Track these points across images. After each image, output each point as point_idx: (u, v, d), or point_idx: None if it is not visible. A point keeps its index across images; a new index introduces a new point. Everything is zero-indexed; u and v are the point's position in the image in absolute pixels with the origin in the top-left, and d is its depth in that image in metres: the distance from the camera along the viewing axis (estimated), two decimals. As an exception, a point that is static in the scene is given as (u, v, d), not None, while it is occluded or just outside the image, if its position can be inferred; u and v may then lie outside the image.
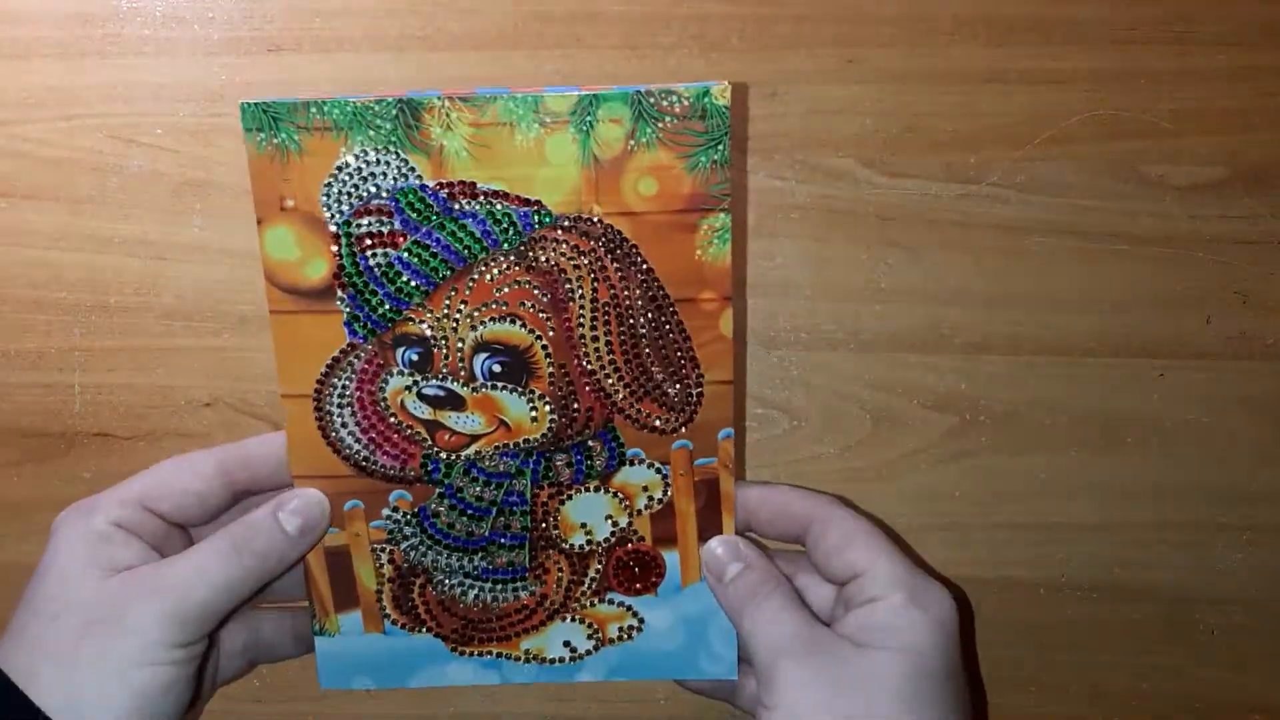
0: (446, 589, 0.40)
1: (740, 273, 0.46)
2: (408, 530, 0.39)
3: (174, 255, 0.46)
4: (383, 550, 0.39)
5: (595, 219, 0.36)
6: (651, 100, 0.35)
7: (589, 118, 0.35)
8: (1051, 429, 0.47)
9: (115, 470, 0.46)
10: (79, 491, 0.46)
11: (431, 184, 0.36)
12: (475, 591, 0.40)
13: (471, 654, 0.40)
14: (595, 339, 0.37)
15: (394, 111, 0.35)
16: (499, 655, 0.40)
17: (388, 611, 0.40)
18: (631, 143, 0.35)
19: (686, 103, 0.35)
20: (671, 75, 0.47)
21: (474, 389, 0.37)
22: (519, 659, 0.40)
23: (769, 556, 0.40)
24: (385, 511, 0.39)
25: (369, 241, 0.36)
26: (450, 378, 0.37)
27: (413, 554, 0.39)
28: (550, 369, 0.37)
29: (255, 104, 0.35)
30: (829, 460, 0.47)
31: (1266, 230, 0.48)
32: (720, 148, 0.36)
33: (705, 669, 0.41)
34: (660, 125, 0.35)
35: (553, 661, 0.41)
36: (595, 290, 0.37)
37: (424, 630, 0.40)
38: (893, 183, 0.47)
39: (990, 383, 0.47)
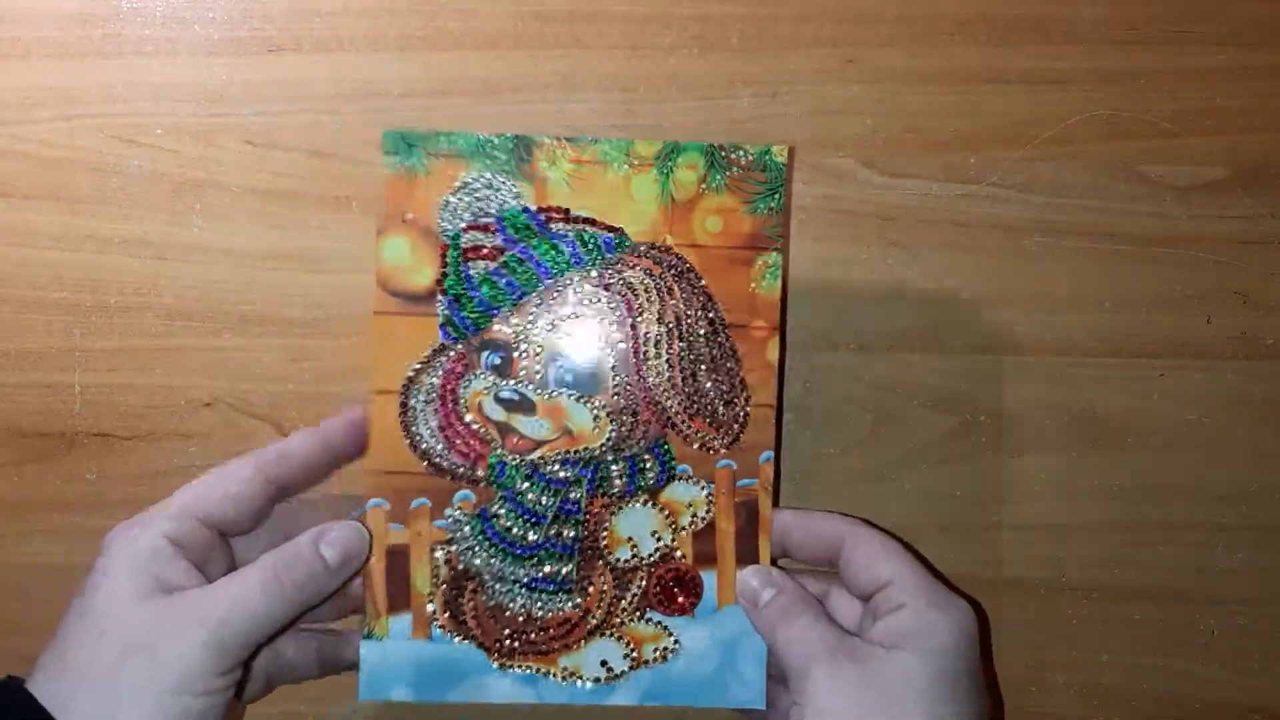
0: (495, 595, 0.41)
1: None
2: (467, 530, 0.41)
3: (174, 255, 0.46)
4: (440, 551, 0.41)
5: (667, 248, 0.41)
6: (723, 153, 0.41)
7: (670, 163, 0.41)
8: (1051, 429, 0.47)
9: (116, 470, 0.46)
10: (79, 491, 0.46)
11: (532, 208, 0.41)
12: (522, 600, 0.41)
13: (511, 668, 0.41)
14: (658, 356, 0.41)
15: (511, 145, 0.41)
16: (538, 671, 0.41)
17: (437, 616, 0.41)
18: (703, 186, 0.41)
19: (751, 157, 0.41)
20: (672, 76, 0.47)
21: (545, 395, 0.41)
22: (557, 676, 0.41)
23: (798, 582, 0.41)
24: (448, 511, 0.41)
25: (472, 253, 0.40)
26: (525, 383, 0.41)
27: (468, 555, 0.41)
28: (615, 381, 0.41)
29: (397, 132, 0.40)
30: (829, 460, 0.47)
31: (1266, 230, 0.48)
32: (777, 197, 0.41)
33: (735, 695, 0.41)
34: (728, 174, 0.41)
35: (589, 680, 0.41)
36: (661, 311, 0.41)
37: (469, 639, 0.41)
38: (893, 183, 0.47)
39: (990, 383, 0.47)
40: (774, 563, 0.42)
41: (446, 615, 0.41)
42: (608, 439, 0.41)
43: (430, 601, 0.41)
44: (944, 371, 0.47)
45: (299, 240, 0.46)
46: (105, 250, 0.46)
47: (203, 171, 0.46)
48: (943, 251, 0.47)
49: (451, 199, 0.40)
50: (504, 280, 0.40)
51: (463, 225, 0.40)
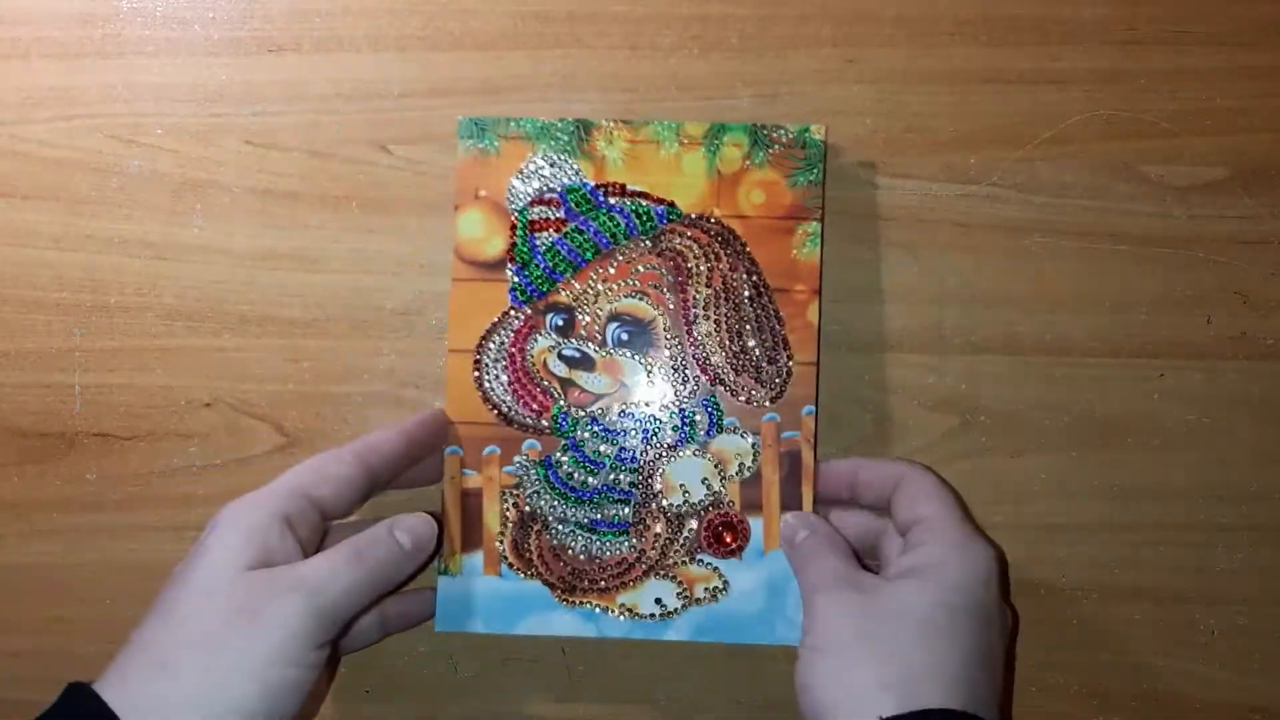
0: (559, 536, 0.44)
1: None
2: (534, 476, 0.44)
3: (174, 255, 0.46)
4: (509, 495, 0.44)
5: (714, 219, 0.45)
6: (765, 132, 0.45)
7: (716, 141, 0.45)
8: (1051, 429, 0.47)
9: (116, 470, 0.46)
10: (79, 491, 0.46)
11: (592, 183, 0.45)
12: (583, 541, 0.44)
13: (574, 604, 0.44)
14: (707, 317, 0.45)
15: (572, 128, 0.45)
16: (597, 607, 0.44)
17: (506, 555, 0.44)
18: (747, 162, 0.45)
19: (791, 136, 0.45)
20: (672, 76, 0.47)
21: (604, 353, 0.45)
22: (615, 612, 0.44)
23: (834, 527, 0.43)
24: (517, 459, 0.44)
25: (538, 225, 0.44)
26: (586, 342, 0.44)
27: (534, 499, 0.44)
28: (667, 341, 0.45)
29: (471, 119, 0.45)
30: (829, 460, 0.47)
31: (1266, 230, 0.48)
32: (816, 171, 0.45)
33: (779, 633, 0.44)
34: (770, 151, 0.45)
35: (645, 617, 0.44)
36: (710, 276, 0.45)
37: (534, 576, 0.44)
38: (893, 183, 0.47)
39: (990, 383, 0.47)
40: (816, 509, 0.44)
41: (514, 554, 0.44)
42: (661, 394, 0.45)
43: (499, 541, 0.44)
44: (944, 371, 0.47)
45: (298, 240, 0.46)
46: (105, 250, 0.46)
47: (203, 171, 0.46)
48: (943, 251, 0.47)
49: (519, 178, 0.45)
50: (566, 249, 0.44)
51: (529, 200, 0.45)
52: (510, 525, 0.44)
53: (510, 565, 0.44)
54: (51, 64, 0.46)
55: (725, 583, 0.44)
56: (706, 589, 0.44)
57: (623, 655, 0.46)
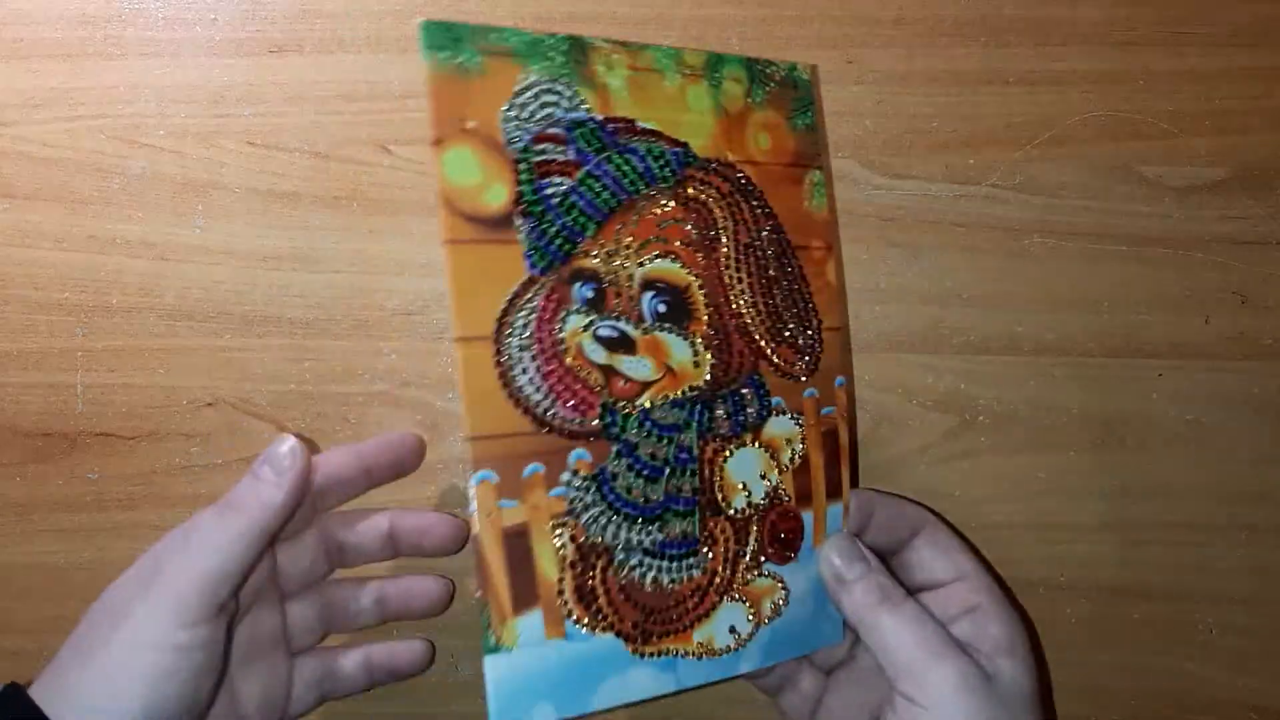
0: (626, 570, 0.36)
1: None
2: (588, 499, 0.35)
3: (176, 256, 0.46)
4: (563, 526, 0.35)
5: (731, 164, 0.38)
6: (759, 66, 0.39)
7: (717, 74, 0.38)
8: (1051, 429, 0.47)
9: (118, 470, 0.46)
10: (81, 491, 0.46)
11: (600, 118, 0.36)
12: (653, 572, 0.36)
13: (650, 654, 0.36)
14: (740, 280, 0.38)
15: (565, 46, 0.36)
16: (675, 654, 0.37)
17: (569, 607, 0.35)
18: (749, 100, 0.39)
19: (782, 73, 0.40)
20: (672, 76, 0.47)
21: (643, 330, 0.36)
22: (693, 655, 0.37)
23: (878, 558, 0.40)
24: (564, 476, 0.35)
25: (546, 169, 0.35)
26: (622, 317, 0.36)
27: (594, 527, 0.35)
28: (707, 311, 0.37)
29: (436, 23, 0.34)
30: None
31: (1265, 231, 0.48)
32: (809, 114, 0.40)
33: (826, 635, 0.40)
34: (767, 89, 0.39)
35: (720, 652, 0.37)
36: (736, 231, 0.38)
37: (605, 628, 0.35)
38: (892, 183, 0.47)
39: (990, 383, 0.47)
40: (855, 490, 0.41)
41: (579, 604, 0.35)
42: (710, 374, 0.37)
43: (560, 590, 0.35)
44: (944, 371, 0.47)
45: (300, 240, 0.46)
46: (107, 251, 0.46)
47: (205, 172, 0.46)
48: (943, 251, 0.47)
49: (512, 105, 0.35)
50: (583, 200, 0.36)
51: (532, 135, 0.35)
52: (569, 566, 0.35)
53: (576, 620, 0.35)
54: (53, 65, 0.46)
55: (787, 592, 0.39)
56: (772, 603, 0.38)
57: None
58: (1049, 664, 0.47)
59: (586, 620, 0.35)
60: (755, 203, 0.39)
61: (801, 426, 0.39)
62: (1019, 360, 0.47)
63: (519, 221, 0.34)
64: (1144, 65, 0.48)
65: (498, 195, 0.34)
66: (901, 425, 0.47)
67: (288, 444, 0.38)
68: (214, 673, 0.36)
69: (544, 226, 0.35)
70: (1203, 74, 0.48)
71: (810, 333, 0.39)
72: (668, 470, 0.37)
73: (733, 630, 0.38)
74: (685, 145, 0.38)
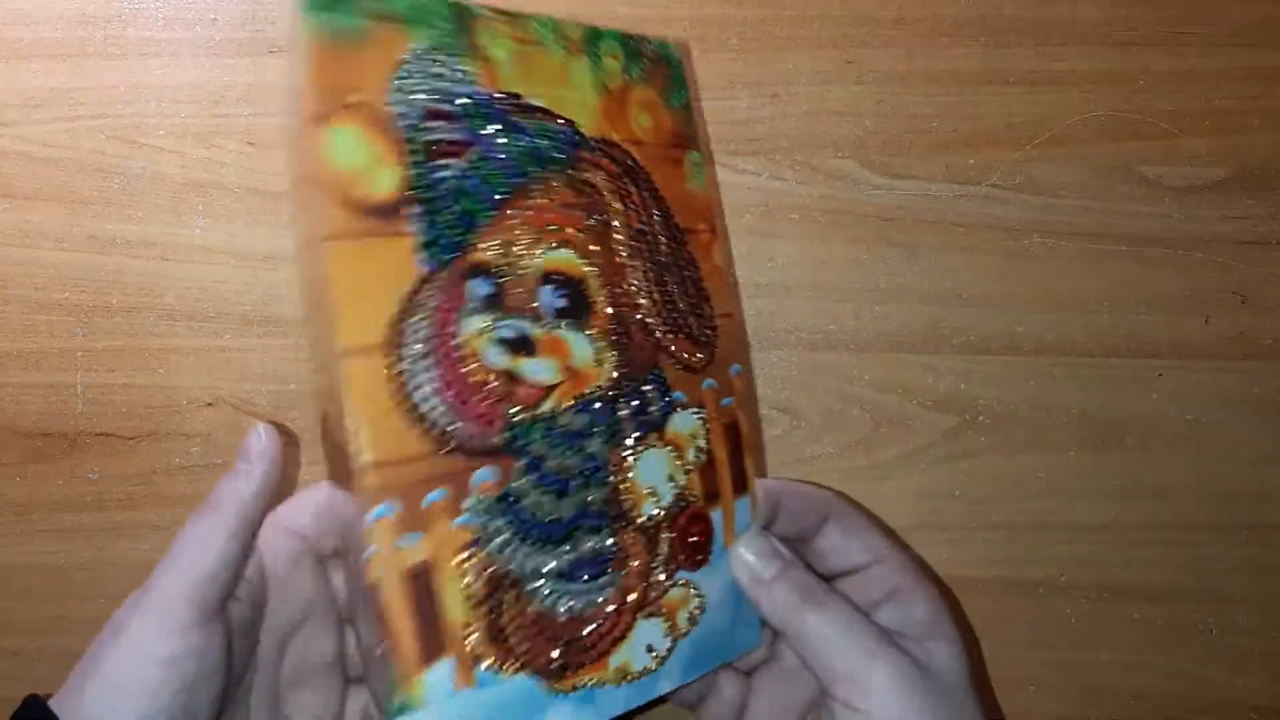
0: (539, 600, 0.33)
1: (735, 273, 0.46)
2: (497, 524, 0.32)
3: (176, 256, 0.46)
4: (470, 559, 0.31)
5: (616, 144, 0.36)
6: (633, 42, 0.37)
7: (595, 49, 0.36)
8: (1051, 429, 0.47)
9: (118, 470, 0.46)
10: (81, 491, 0.46)
11: (488, 93, 0.33)
12: (566, 598, 0.33)
13: (567, 690, 0.33)
14: (635, 268, 0.35)
15: (448, 12, 0.33)
16: (592, 684, 0.34)
17: (478, 651, 0.31)
18: (626, 76, 0.37)
19: (652, 50, 0.38)
20: (672, 76, 0.47)
21: (544, 328, 0.33)
22: (610, 683, 0.34)
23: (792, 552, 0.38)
24: (468, 502, 0.31)
25: (438, 151, 0.32)
26: (523, 316, 0.33)
27: (501, 555, 0.32)
28: (606, 303, 0.35)
29: None
30: (829, 460, 0.47)
31: (1265, 231, 0.48)
32: (682, 93, 0.38)
33: (742, 640, 0.37)
34: (642, 66, 0.37)
35: (639, 675, 0.35)
36: (628, 217, 0.36)
37: (518, 669, 0.32)
38: (892, 183, 0.47)
39: (990, 383, 0.47)
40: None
41: (490, 644, 0.31)
42: (612, 373, 0.35)
43: (468, 633, 0.31)
44: (944, 371, 0.47)
45: (300, 241, 0.46)
46: (107, 251, 0.46)
47: (205, 172, 0.46)
48: (943, 252, 0.47)
49: (400, 76, 0.31)
50: (474, 184, 0.32)
51: (421, 112, 0.31)
52: (478, 604, 0.31)
53: (486, 665, 0.31)
54: (53, 65, 0.46)
55: (703, 600, 0.36)
56: (688, 614, 0.36)
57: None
58: (1049, 664, 0.48)
59: (498, 661, 0.31)
60: (643, 185, 0.36)
61: (704, 420, 0.37)
62: (1019, 360, 0.47)
63: (410, 210, 0.31)
64: (1144, 65, 0.48)
65: (385, 180, 0.30)
66: (901, 425, 0.47)
67: (254, 433, 0.36)
68: (211, 680, 0.34)
69: (435, 216, 0.31)
70: (1203, 74, 0.48)
71: (704, 320, 0.37)
72: (575, 482, 0.34)
73: (650, 650, 0.35)
74: (572, 123, 0.35)
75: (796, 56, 0.47)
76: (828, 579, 0.38)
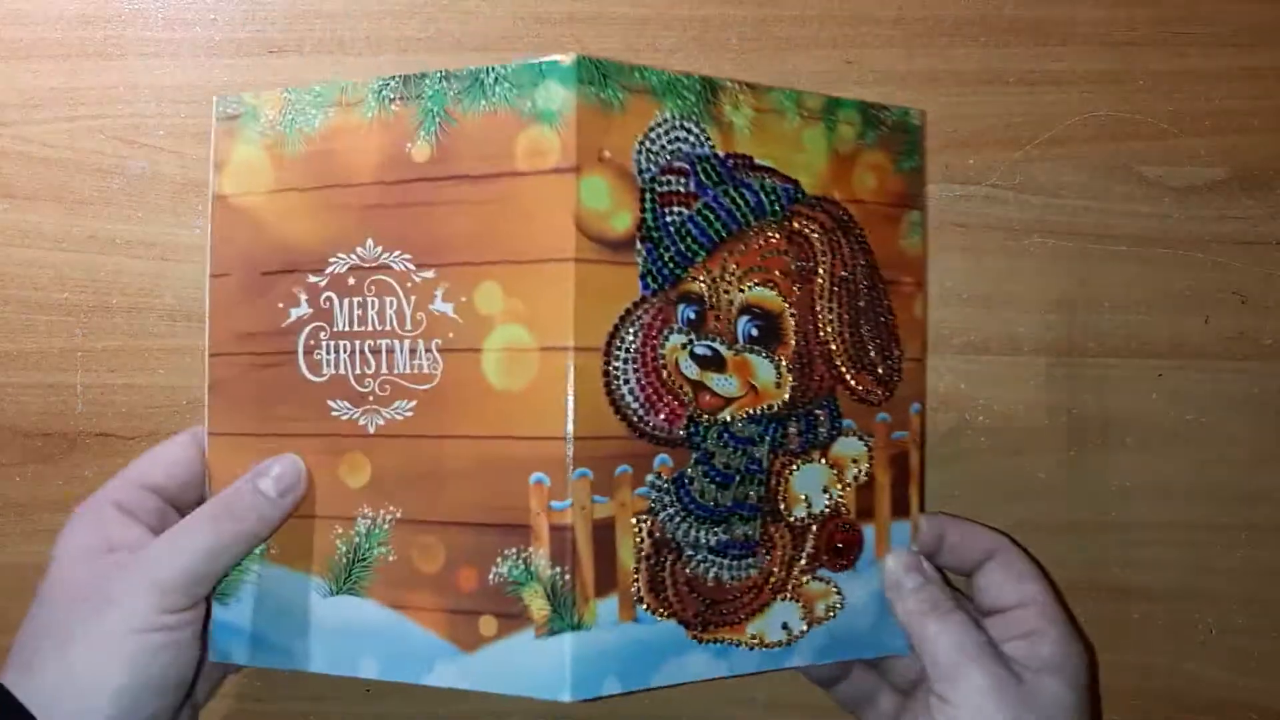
0: (692, 565, 0.39)
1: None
2: (666, 499, 0.39)
3: (176, 256, 0.46)
4: (644, 522, 0.38)
5: (836, 202, 0.41)
6: (873, 110, 0.42)
7: (833, 117, 0.41)
8: (1051, 429, 0.47)
9: (117, 470, 0.46)
10: (82, 491, 0.46)
11: (722, 153, 0.40)
12: (715, 568, 0.40)
13: (707, 641, 0.40)
14: (830, 309, 0.41)
15: (698, 86, 0.39)
16: (729, 643, 0.40)
17: (642, 594, 0.38)
18: (860, 142, 0.42)
19: (894, 118, 0.43)
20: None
21: (735, 350, 0.40)
22: (745, 645, 0.40)
23: (940, 575, 0.42)
24: (649, 478, 0.38)
25: (668, 199, 0.39)
26: (718, 338, 0.39)
27: (668, 525, 0.39)
28: (795, 337, 0.40)
29: (589, 59, 0.37)
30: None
31: (1264, 231, 0.48)
32: (915, 158, 0.43)
33: (888, 644, 0.42)
34: (878, 132, 0.42)
35: (773, 645, 0.41)
36: (833, 264, 0.41)
37: (669, 615, 0.39)
38: (892, 183, 0.47)
39: (990, 383, 0.47)
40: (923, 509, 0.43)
41: (650, 592, 0.38)
42: (789, 395, 0.40)
43: (635, 579, 0.38)
44: (944, 371, 0.47)
45: (300, 241, 0.46)
46: (107, 251, 0.46)
47: (204, 172, 0.46)
48: (942, 252, 0.47)
49: (645, 139, 0.38)
50: (697, 229, 0.39)
51: (659, 168, 0.39)
52: (645, 559, 0.38)
53: (646, 606, 0.38)
54: (53, 65, 0.46)
55: (843, 597, 0.42)
56: (826, 606, 0.41)
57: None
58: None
59: (655, 607, 0.38)
60: (854, 239, 0.42)
61: (870, 448, 0.42)
62: (1019, 360, 0.47)
63: (639, 246, 0.38)
64: (1144, 65, 0.48)
65: (623, 221, 0.38)
66: (901, 425, 0.47)
67: (296, 466, 0.39)
68: (181, 655, 0.37)
69: (660, 252, 0.38)
70: (1202, 74, 0.48)
71: (891, 363, 0.42)
72: (738, 478, 0.40)
73: (785, 627, 0.41)
74: (796, 182, 0.41)
75: (796, 56, 0.47)
76: (982, 615, 0.41)
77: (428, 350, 0.39)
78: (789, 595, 0.41)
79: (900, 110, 0.43)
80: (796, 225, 0.41)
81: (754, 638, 0.40)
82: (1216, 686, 0.48)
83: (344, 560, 0.39)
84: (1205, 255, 0.48)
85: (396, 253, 0.39)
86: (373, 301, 0.39)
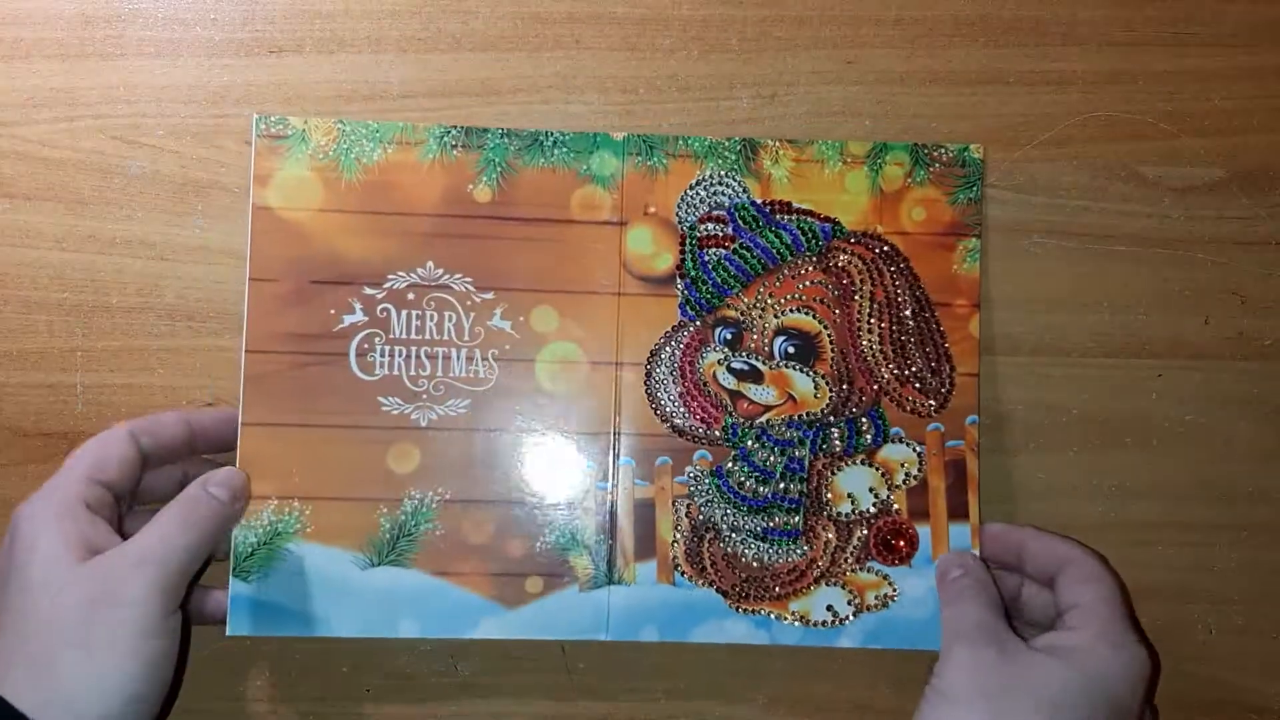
0: (731, 544, 0.45)
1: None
2: (705, 486, 0.45)
3: (175, 256, 0.46)
4: (682, 504, 0.45)
5: (877, 235, 0.45)
6: (925, 151, 0.46)
7: (879, 160, 0.46)
8: (1051, 429, 0.47)
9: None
10: (81, 491, 0.46)
11: (760, 201, 0.45)
12: (755, 550, 0.45)
13: (747, 611, 0.45)
14: (870, 330, 0.45)
15: (739, 147, 0.45)
16: (771, 614, 0.45)
17: (679, 563, 0.45)
18: (909, 180, 0.46)
19: (951, 154, 0.46)
20: (671, 77, 0.47)
21: (772, 366, 0.45)
22: (787, 619, 0.45)
23: (989, 574, 0.44)
24: (688, 469, 0.45)
25: (707, 242, 0.45)
26: (755, 355, 0.45)
27: (706, 509, 0.45)
28: (833, 353, 0.45)
29: (636, 135, 0.45)
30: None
31: (1264, 231, 0.48)
32: (975, 189, 0.46)
33: (935, 639, 0.44)
34: (930, 170, 0.46)
35: (817, 624, 0.45)
36: (873, 291, 0.45)
37: (708, 584, 0.45)
38: (892, 183, 0.47)
39: (990, 383, 0.47)
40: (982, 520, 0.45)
41: (687, 561, 0.45)
42: (827, 404, 0.45)
43: (673, 549, 0.45)
44: (943, 371, 0.47)
45: (300, 241, 0.46)
46: (107, 251, 0.46)
47: (204, 172, 0.46)
48: (942, 252, 0.47)
49: (686, 194, 0.45)
50: (734, 265, 0.45)
51: (698, 217, 0.45)
52: (683, 534, 0.45)
53: (683, 574, 0.45)
54: (53, 65, 0.46)
55: (895, 589, 0.45)
56: (877, 596, 0.45)
57: (623, 654, 0.46)
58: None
59: (692, 575, 0.45)
60: (897, 266, 0.45)
61: (920, 454, 0.45)
62: (1020, 360, 0.47)
63: (679, 282, 0.45)
64: (1143, 66, 0.48)
65: (665, 261, 0.45)
66: (901, 425, 0.47)
67: (240, 476, 0.43)
68: (170, 670, 0.38)
69: (697, 285, 0.45)
70: (1202, 75, 0.48)
71: (940, 377, 0.45)
72: (778, 474, 0.45)
73: (830, 609, 0.45)
74: (836, 221, 0.46)
75: (796, 57, 0.47)
76: (1058, 614, 0.42)
77: (484, 359, 0.45)
78: (835, 581, 0.45)
79: (959, 147, 0.46)
80: (834, 259, 0.45)
81: (796, 614, 0.45)
82: (1216, 686, 0.48)
83: (388, 536, 0.44)
84: (1205, 255, 0.48)
85: (458, 275, 0.45)
86: (432, 315, 0.45)
